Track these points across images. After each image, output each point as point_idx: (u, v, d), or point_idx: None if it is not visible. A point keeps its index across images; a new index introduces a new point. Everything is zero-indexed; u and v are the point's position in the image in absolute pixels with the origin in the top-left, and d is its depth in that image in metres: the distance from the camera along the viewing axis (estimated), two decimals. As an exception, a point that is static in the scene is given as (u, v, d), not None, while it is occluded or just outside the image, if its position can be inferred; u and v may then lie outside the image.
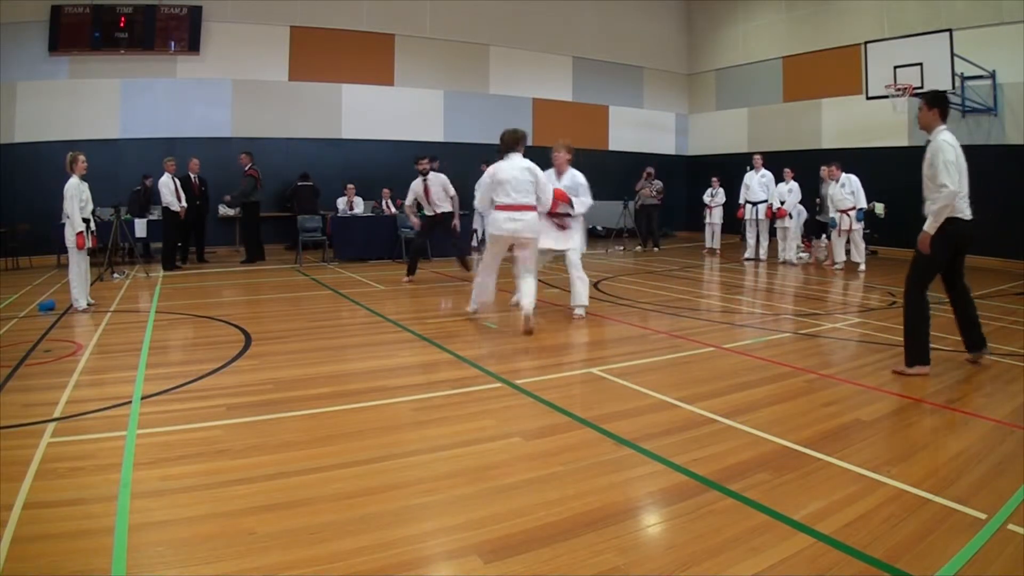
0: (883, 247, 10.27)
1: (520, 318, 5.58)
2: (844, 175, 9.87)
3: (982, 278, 9.29)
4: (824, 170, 10.42)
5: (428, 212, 8.75)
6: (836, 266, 10.07)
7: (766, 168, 11.28)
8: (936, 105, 4.44)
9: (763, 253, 11.33)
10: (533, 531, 2.29)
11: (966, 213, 4.33)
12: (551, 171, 6.38)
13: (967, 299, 4.54)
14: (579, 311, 6.30)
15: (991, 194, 11.00)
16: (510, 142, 5.76)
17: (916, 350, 4.30)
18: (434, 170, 8.70)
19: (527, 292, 5.64)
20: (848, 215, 9.85)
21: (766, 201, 11.08)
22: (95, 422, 3.37)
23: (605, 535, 2.26)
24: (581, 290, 6.33)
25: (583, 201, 6.43)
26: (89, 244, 6.60)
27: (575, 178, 6.50)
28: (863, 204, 9.81)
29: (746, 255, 11.43)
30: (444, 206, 8.63)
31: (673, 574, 2.04)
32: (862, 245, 10.02)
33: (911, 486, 2.61)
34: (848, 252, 10.08)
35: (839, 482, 2.68)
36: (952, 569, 2.03)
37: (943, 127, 4.40)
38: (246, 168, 11.04)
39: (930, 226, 4.27)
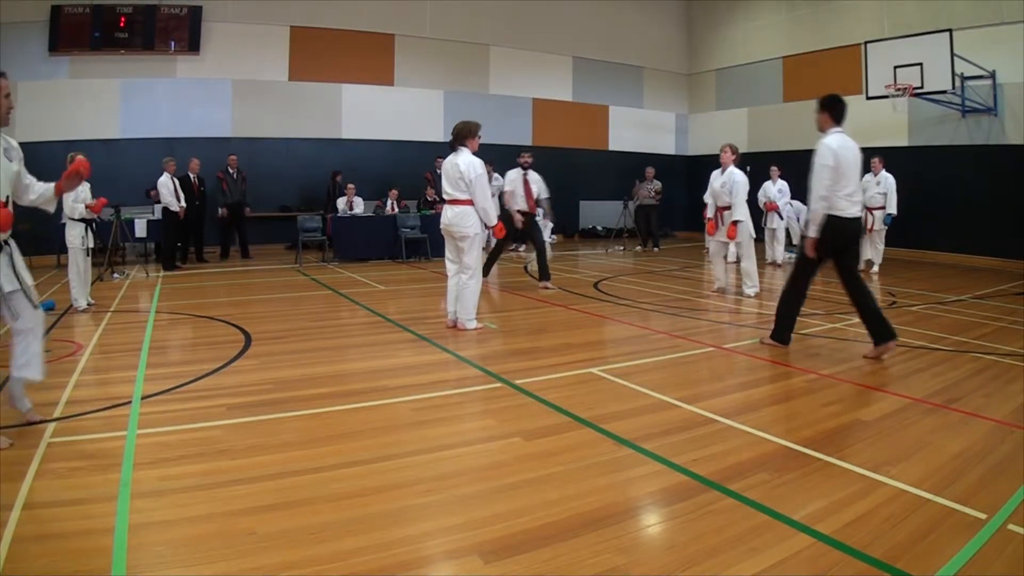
0: (885, 247, 10.23)
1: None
2: (883, 173, 9.64)
3: (982, 278, 9.29)
4: None
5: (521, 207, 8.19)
6: (859, 267, 9.94)
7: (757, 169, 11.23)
8: (825, 108, 4.66)
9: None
10: (533, 531, 2.29)
11: (848, 211, 4.55)
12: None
13: (863, 291, 4.71)
14: (749, 291, 7.34)
15: (991, 194, 11.10)
16: (454, 134, 5.63)
17: (779, 329, 4.98)
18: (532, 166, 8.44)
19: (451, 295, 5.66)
20: (873, 214, 9.62)
21: None
22: (95, 422, 3.37)
23: (605, 535, 2.26)
24: (745, 279, 7.42)
25: (737, 203, 7.19)
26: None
27: (732, 175, 7.22)
28: (893, 209, 9.53)
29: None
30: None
31: (673, 574, 2.04)
32: (881, 247, 9.82)
33: (911, 486, 2.61)
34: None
35: (839, 482, 2.68)
36: (952, 569, 2.03)
37: (835, 129, 4.60)
38: (237, 169, 11.21)
39: (812, 231, 4.57)
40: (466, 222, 5.48)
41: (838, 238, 4.58)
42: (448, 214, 5.55)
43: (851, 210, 4.56)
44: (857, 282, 4.69)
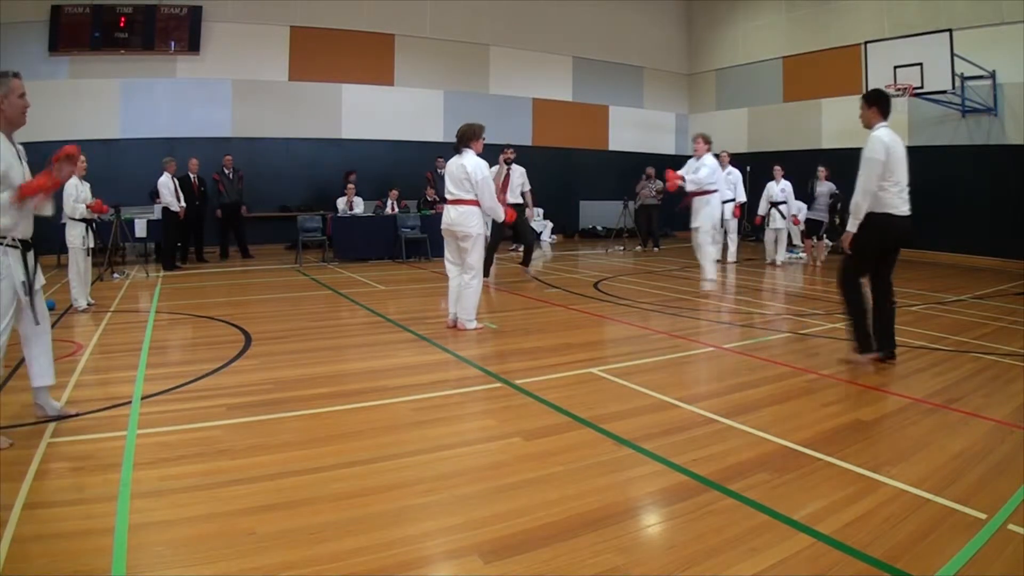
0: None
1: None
2: None
3: (982, 278, 9.29)
4: (821, 170, 10.41)
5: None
6: None
7: (765, 170, 11.25)
8: (874, 103, 4.53)
9: (732, 255, 10.85)
10: (533, 531, 2.29)
11: (900, 209, 4.34)
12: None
13: (888, 303, 4.54)
14: (707, 285, 7.49)
15: (991, 194, 11.10)
16: (458, 137, 5.69)
17: (861, 339, 4.48)
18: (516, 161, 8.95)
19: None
20: None
21: (733, 200, 10.77)
22: (95, 422, 3.37)
23: (605, 535, 2.26)
24: (705, 266, 7.67)
25: (691, 178, 7.47)
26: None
27: (702, 160, 7.54)
28: None
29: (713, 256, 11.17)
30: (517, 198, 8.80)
31: (673, 574, 2.04)
32: None
33: (911, 486, 2.61)
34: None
35: (839, 482, 2.68)
36: (952, 569, 2.03)
37: (881, 124, 4.47)
38: (233, 169, 11.22)
39: (851, 225, 4.40)
40: (470, 221, 5.50)
41: (889, 237, 4.40)
42: (452, 214, 5.54)
43: (903, 208, 4.35)
44: (888, 291, 4.53)
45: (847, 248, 4.44)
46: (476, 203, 5.52)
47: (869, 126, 4.53)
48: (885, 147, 4.30)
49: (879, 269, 4.55)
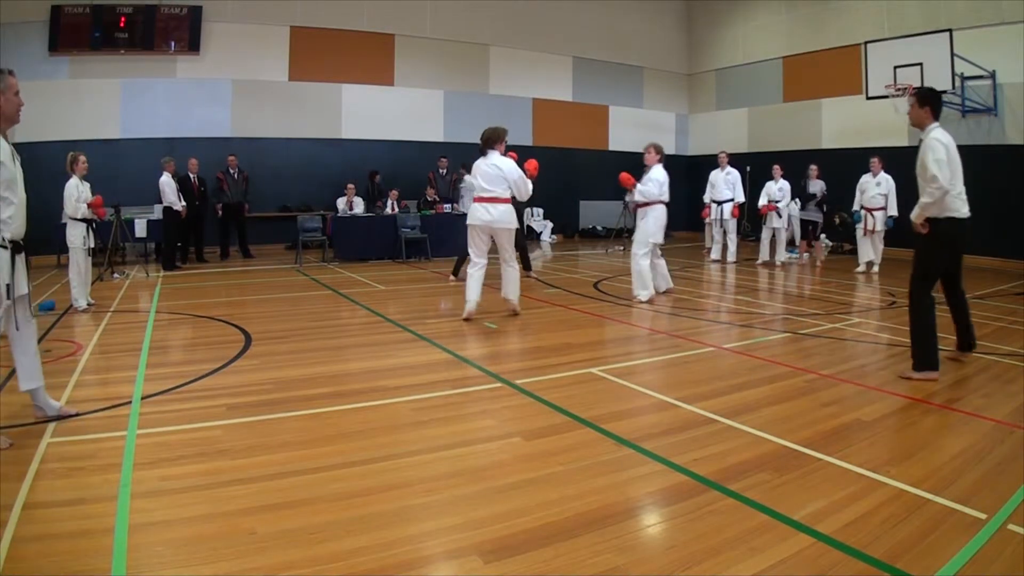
0: (885, 247, 10.21)
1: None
2: (883, 174, 9.59)
3: (982, 278, 9.29)
4: (813, 168, 10.40)
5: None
6: (860, 268, 9.78)
7: (761, 170, 11.25)
8: (927, 103, 4.37)
9: (731, 255, 10.89)
10: (533, 531, 2.29)
11: (962, 211, 4.24)
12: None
13: (964, 303, 4.52)
14: (640, 297, 7.00)
15: (991, 194, 11.07)
16: (484, 140, 6.12)
17: (924, 355, 4.21)
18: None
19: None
20: (873, 215, 9.60)
21: (732, 200, 10.85)
22: (95, 422, 3.37)
23: (605, 535, 2.26)
24: (633, 281, 7.15)
25: (640, 189, 7.19)
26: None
27: (650, 173, 7.30)
28: (894, 211, 9.49)
29: (712, 256, 11.15)
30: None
31: (673, 574, 2.04)
32: (880, 247, 9.77)
33: (911, 486, 2.61)
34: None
35: (839, 482, 2.68)
36: (952, 569, 2.03)
37: (935, 124, 4.34)
38: (238, 169, 11.22)
39: (916, 215, 4.27)
40: (510, 217, 6.02)
41: (959, 243, 4.29)
42: (492, 212, 5.94)
43: (964, 209, 4.23)
44: (961, 291, 4.46)
45: (920, 229, 4.24)
46: (509, 200, 5.99)
47: (920, 126, 4.38)
48: (946, 148, 4.18)
49: (947, 276, 4.44)
